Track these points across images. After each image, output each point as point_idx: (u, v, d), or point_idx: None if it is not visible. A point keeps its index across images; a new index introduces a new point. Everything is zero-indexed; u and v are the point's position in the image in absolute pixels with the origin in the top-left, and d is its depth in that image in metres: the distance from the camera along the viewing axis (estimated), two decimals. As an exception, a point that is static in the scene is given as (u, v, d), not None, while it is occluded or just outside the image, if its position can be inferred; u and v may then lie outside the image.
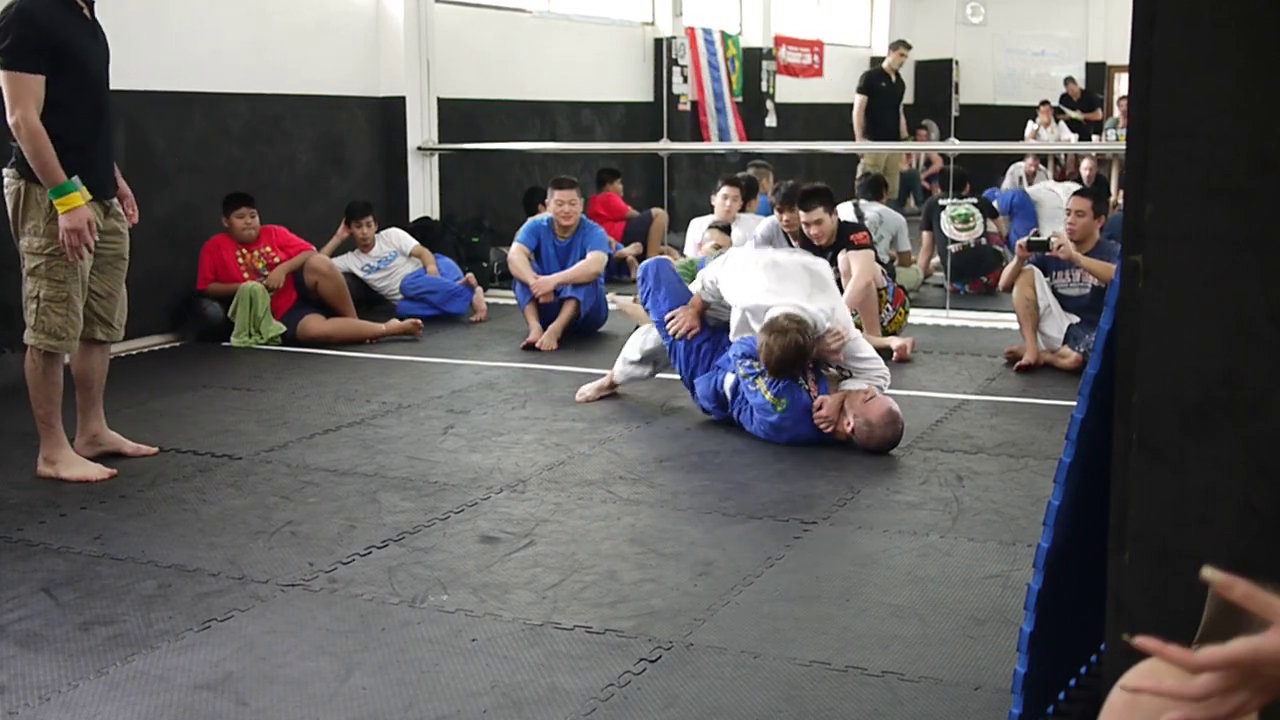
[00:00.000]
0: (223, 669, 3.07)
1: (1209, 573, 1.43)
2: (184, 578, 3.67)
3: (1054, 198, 10.31)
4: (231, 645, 3.21)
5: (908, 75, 16.92)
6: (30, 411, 4.65)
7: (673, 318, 5.58)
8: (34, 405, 4.60)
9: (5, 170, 4.52)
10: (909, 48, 11.99)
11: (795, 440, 5.08)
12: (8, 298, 4.76)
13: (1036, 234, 7.07)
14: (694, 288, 5.67)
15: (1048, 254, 6.62)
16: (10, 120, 4.32)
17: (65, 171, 4.35)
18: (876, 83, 11.69)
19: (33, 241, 4.45)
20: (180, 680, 3.01)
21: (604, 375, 6.05)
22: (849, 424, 5.02)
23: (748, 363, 5.16)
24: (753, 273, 5.38)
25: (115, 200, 4.70)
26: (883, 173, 11.67)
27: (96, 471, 4.63)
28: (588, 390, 5.93)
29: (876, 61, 18.21)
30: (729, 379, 5.29)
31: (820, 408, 5.06)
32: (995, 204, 10.09)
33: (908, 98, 15.51)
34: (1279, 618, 1.39)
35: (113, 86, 4.68)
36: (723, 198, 8.46)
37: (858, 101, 11.52)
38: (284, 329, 7.45)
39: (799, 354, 4.99)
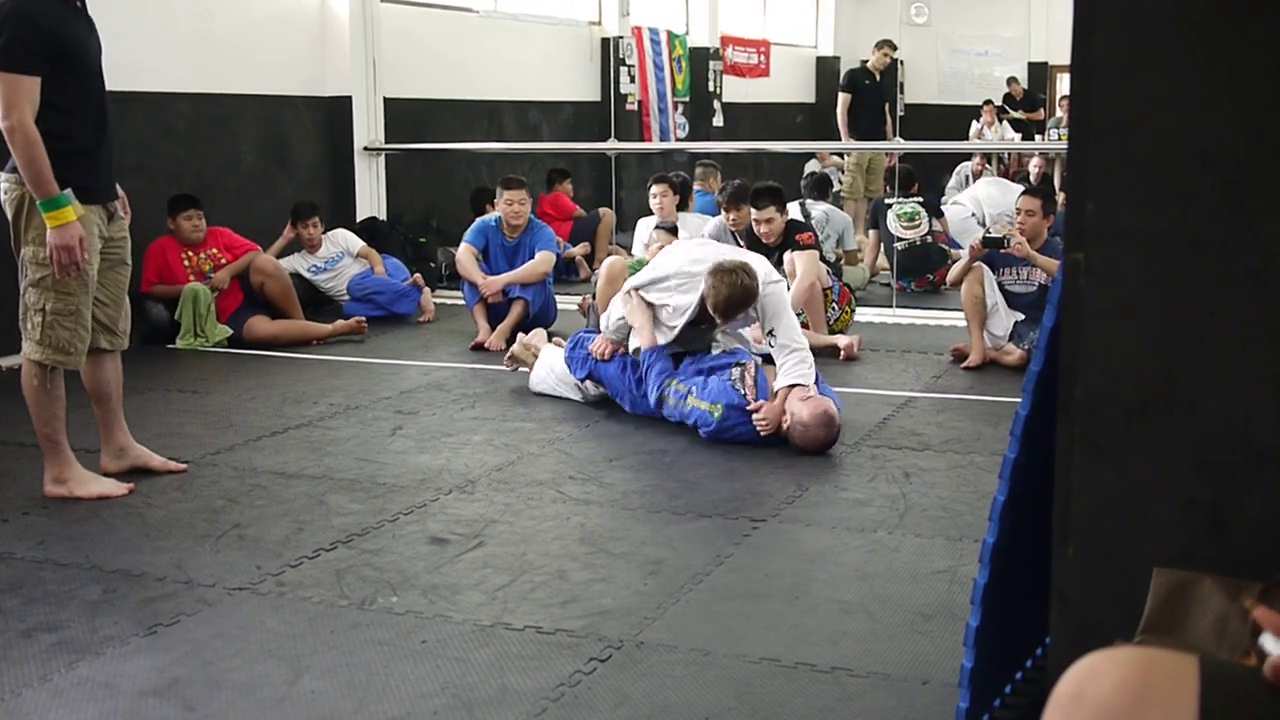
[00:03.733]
0: (169, 674, 3.04)
1: (1249, 605, 1.46)
2: (129, 583, 3.63)
3: (1000, 195, 10.42)
4: (178, 650, 3.18)
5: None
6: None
7: (594, 348, 5.63)
8: (37, 423, 4.35)
9: (3, 175, 4.26)
10: (895, 48, 12.02)
11: (738, 439, 5.10)
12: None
13: (988, 231, 7.14)
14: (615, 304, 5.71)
15: (1004, 250, 6.69)
16: (4, 125, 4.05)
17: (72, 178, 4.13)
18: (860, 81, 11.74)
19: (38, 251, 4.17)
20: (126, 686, 2.98)
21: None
22: (786, 422, 5.04)
23: (673, 386, 5.26)
24: (669, 260, 5.55)
25: (115, 206, 4.46)
26: (866, 171, 11.76)
27: (114, 487, 4.43)
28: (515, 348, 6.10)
29: (823, 61, 18.36)
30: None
31: (759, 411, 5.05)
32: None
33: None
34: None
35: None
36: (654, 196, 8.48)
37: (841, 100, 11.56)
38: (229, 332, 7.39)
39: (746, 294, 5.12)
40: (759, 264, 5.37)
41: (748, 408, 5.07)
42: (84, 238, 4.15)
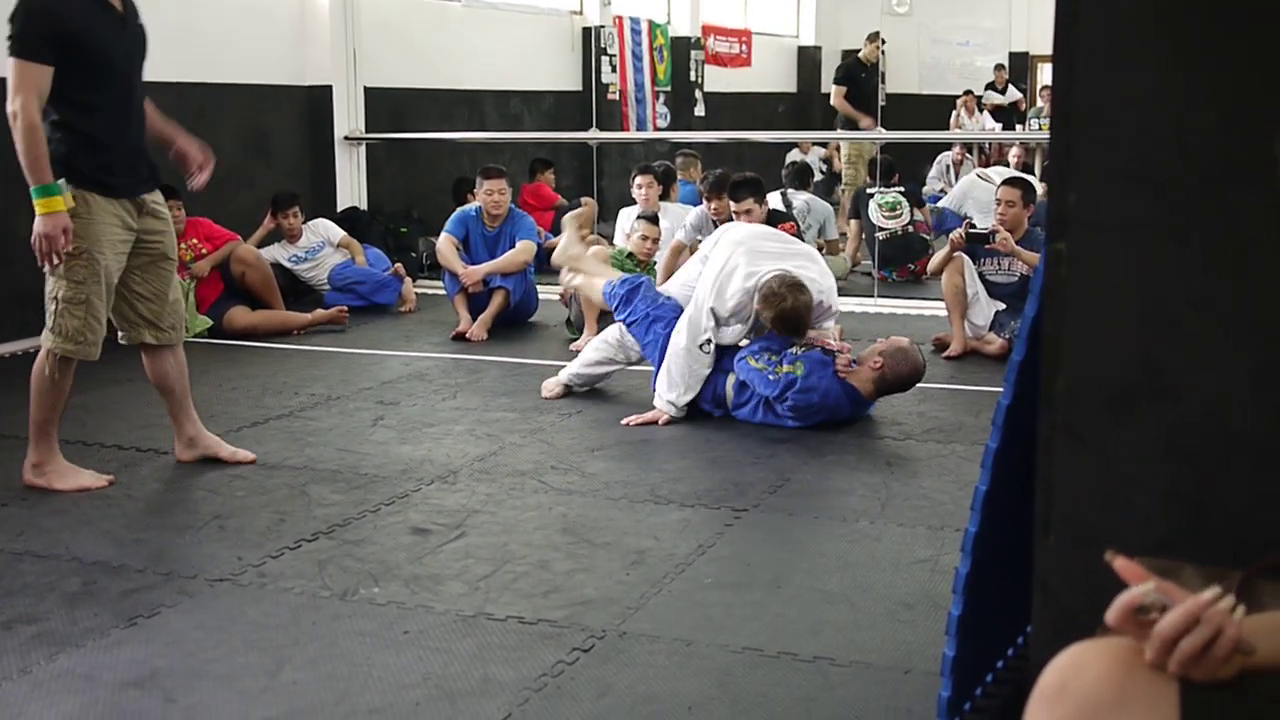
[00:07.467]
0: (150, 666, 3.03)
1: (1110, 556, 1.47)
2: (109, 574, 3.62)
3: (986, 189, 10.43)
4: (159, 642, 3.17)
5: (832, 64, 17.06)
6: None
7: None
8: (34, 409, 4.35)
9: None
10: (884, 41, 12.12)
11: (825, 403, 5.14)
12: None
13: (972, 225, 7.16)
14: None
15: (988, 246, 6.71)
16: (9, 109, 4.07)
17: (85, 171, 4.16)
18: (856, 73, 11.79)
19: None
20: (107, 678, 2.97)
21: (554, 365, 6.03)
22: (876, 363, 5.19)
23: (765, 356, 5.24)
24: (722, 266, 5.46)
25: (151, 198, 4.44)
26: (859, 161, 11.80)
27: (92, 479, 4.42)
28: (553, 386, 5.79)
29: (805, 51, 18.37)
30: (730, 379, 5.31)
31: (844, 353, 5.28)
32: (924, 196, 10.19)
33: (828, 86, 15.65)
34: (1174, 594, 1.43)
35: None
36: (638, 187, 8.47)
37: (836, 92, 11.62)
38: (209, 322, 7.36)
39: (804, 310, 5.22)
40: (796, 262, 5.44)
41: (832, 347, 5.30)
42: (68, 228, 4.12)
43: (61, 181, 4.12)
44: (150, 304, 4.49)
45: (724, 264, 5.40)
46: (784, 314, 5.18)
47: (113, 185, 4.28)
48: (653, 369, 5.55)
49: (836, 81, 11.82)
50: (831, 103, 11.68)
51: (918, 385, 5.48)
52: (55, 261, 4.16)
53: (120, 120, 4.32)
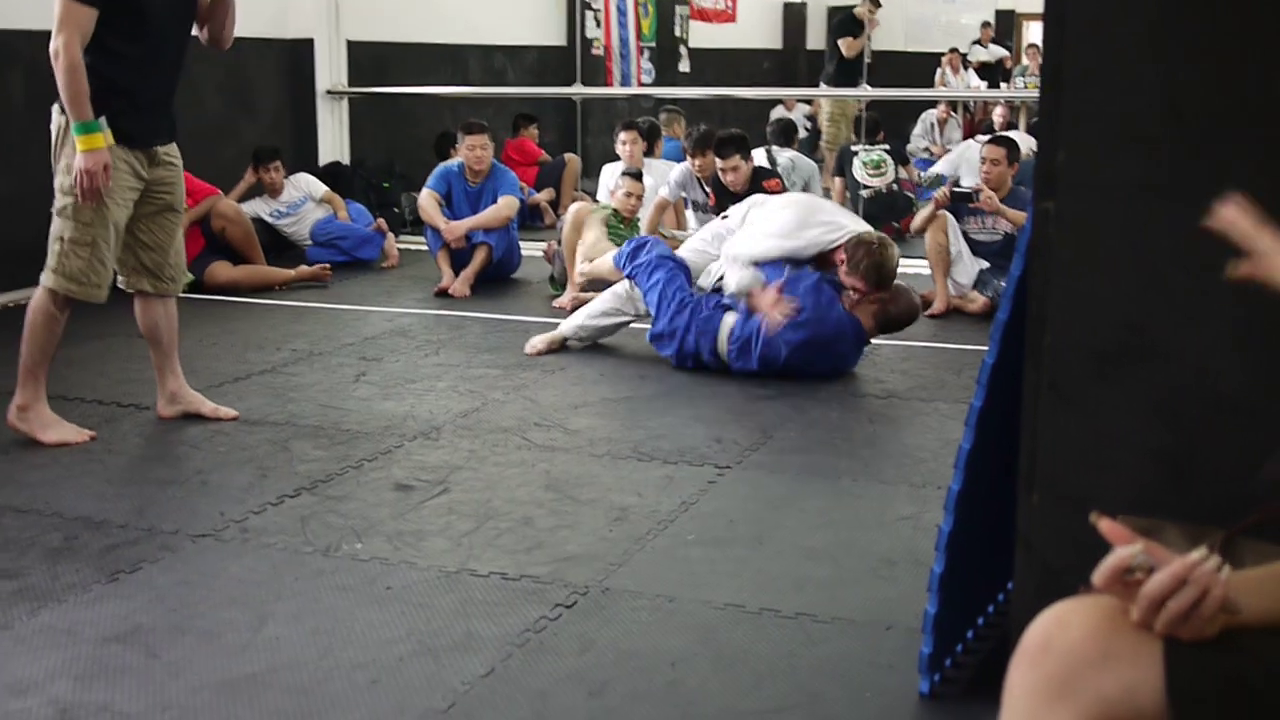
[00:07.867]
0: (132, 621, 3.03)
1: (1094, 518, 1.47)
2: (91, 529, 3.61)
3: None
4: (141, 597, 3.16)
5: (818, 21, 17.00)
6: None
7: (775, 302, 5.27)
8: (24, 351, 4.35)
9: (56, 105, 4.30)
10: (878, 5, 12.15)
11: (832, 312, 5.22)
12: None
13: (957, 183, 7.16)
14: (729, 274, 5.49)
15: (972, 205, 6.71)
16: (52, 47, 4.12)
17: (107, 115, 4.18)
18: (854, 29, 11.79)
19: (64, 180, 4.24)
20: (89, 633, 2.97)
21: (537, 322, 6.02)
22: (876, 298, 5.28)
23: (783, 262, 5.39)
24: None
25: (164, 150, 4.49)
26: (842, 120, 11.80)
27: (75, 434, 4.41)
28: (538, 343, 5.81)
29: (790, 7, 18.27)
30: (727, 322, 5.30)
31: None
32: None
33: (818, 43, 15.59)
34: (1161, 555, 1.44)
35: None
36: (622, 143, 8.43)
37: (848, 42, 11.62)
38: (190, 278, 7.28)
39: (895, 267, 5.39)
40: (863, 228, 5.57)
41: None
42: (109, 164, 4.17)
43: (102, 120, 4.16)
44: (153, 253, 4.52)
45: (804, 216, 5.54)
46: (879, 263, 5.28)
47: (129, 133, 4.31)
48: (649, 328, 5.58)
49: (842, 33, 11.81)
50: (845, 53, 11.64)
51: (901, 345, 5.49)
52: (97, 198, 4.18)
53: (147, 71, 4.35)
